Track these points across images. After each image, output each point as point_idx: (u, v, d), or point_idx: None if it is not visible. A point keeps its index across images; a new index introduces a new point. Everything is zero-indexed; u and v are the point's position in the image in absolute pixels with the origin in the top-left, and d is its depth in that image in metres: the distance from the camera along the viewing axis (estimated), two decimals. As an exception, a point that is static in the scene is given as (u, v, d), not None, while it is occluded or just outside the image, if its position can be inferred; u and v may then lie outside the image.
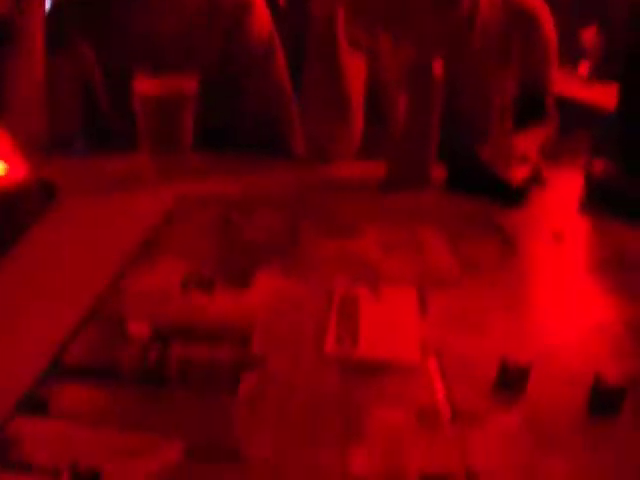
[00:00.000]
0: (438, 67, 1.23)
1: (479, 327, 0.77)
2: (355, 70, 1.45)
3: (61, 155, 1.41)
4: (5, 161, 1.12)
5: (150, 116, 1.22)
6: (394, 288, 0.85)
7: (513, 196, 1.20)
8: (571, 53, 3.78)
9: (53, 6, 1.51)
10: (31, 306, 0.79)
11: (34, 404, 0.60)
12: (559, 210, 1.22)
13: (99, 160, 1.39)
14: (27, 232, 1.01)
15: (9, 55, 1.39)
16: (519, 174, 1.22)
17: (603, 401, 0.63)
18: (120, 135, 1.32)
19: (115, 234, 1.03)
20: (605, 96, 3.11)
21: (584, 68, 3.87)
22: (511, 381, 0.65)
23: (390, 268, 0.92)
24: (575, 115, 3.25)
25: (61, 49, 1.50)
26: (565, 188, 1.32)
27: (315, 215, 1.12)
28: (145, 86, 1.21)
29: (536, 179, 1.27)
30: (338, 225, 1.07)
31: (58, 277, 0.87)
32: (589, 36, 3.66)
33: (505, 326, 0.77)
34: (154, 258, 0.93)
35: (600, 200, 1.22)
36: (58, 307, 0.78)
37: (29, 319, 0.76)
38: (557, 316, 0.82)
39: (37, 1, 1.42)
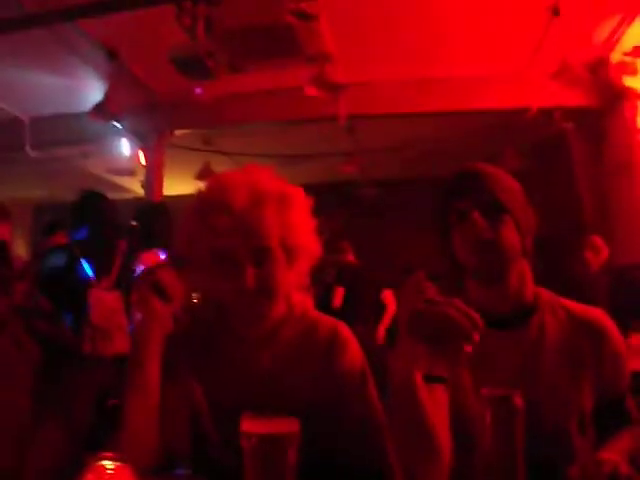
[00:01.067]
0: (518, 399, 1.27)
1: None
2: (436, 400, 1.51)
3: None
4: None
5: (255, 457, 1.27)
6: None
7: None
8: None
9: (168, 340, 1.64)
10: None
11: None
12: None
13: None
14: None
15: (125, 385, 1.51)
16: None
17: None
18: (228, 468, 1.39)
19: None
20: None
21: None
22: None
23: None
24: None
25: (170, 379, 1.64)
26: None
27: None
28: (251, 425, 1.27)
29: None
30: None
31: None
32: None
33: None
34: None
35: None
36: None
37: None
38: None
39: (156, 331, 1.60)
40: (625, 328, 4.73)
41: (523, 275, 1.71)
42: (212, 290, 1.68)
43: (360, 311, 6.96)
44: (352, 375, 1.66)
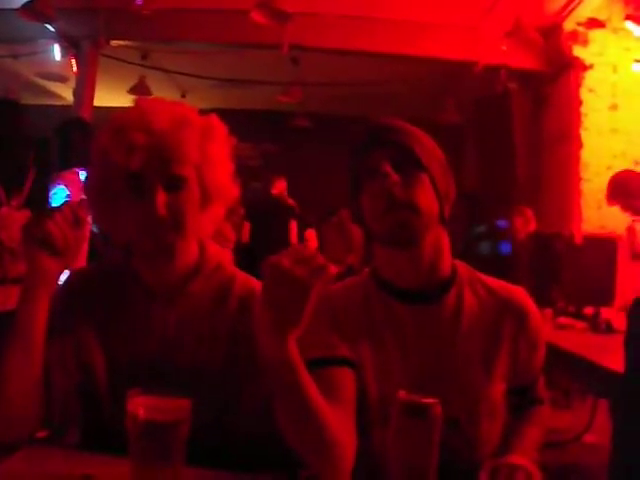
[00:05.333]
0: (438, 408, 1.20)
1: None
2: (342, 381, 1.43)
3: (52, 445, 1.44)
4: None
5: (140, 439, 1.18)
6: None
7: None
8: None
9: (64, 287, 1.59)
10: None
11: None
12: None
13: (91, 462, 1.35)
14: None
15: (7, 347, 1.41)
16: None
17: None
18: (118, 432, 1.24)
19: None
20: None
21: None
22: None
23: None
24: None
25: (59, 332, 1.51)
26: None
27: None
28: (137, 406, 1.18)
29: None
30: None
31: None
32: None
33: None
34: None
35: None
36: None
37: None
38: None
39: (41, 291, 1.44)
40: (545, 293, 4.85)
41: (439, 244, 1.54)
42: (120, 223, 1.54)
43: (272, 248, 6.72)
44: None
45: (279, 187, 7.49)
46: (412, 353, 1.50)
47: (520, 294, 1.61)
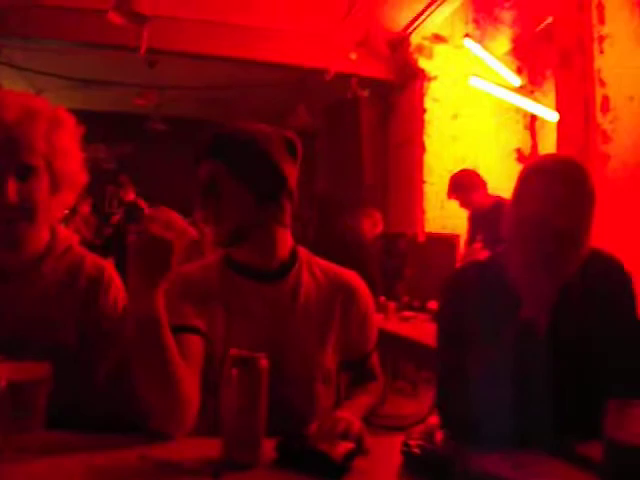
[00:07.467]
0: (263, 361, 1.37)
1: None
2: (188, 350, 1.59)
3: None
4: None
5: (3, 401, 1.28)
6: None
7: (337, 472, 1.31)
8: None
9: None
10: None
11: None
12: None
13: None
14: None
15: None
16: (341, 449, 1.34)
17: None
18: None
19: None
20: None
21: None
22: None
23: None
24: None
25: None
26: (386, 457, 1.45)
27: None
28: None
29: (359, 450, 1.39)
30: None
31: None
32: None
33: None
34: None
35: (418, 470, 1.35)
36: None
37: None
38: None
39: None
40: (391, 289, 5.09)
41: (273, 239, 1.78)
42: None
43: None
44: (111, 317, 1.69)
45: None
46: (257, 323, 1.72)
47: (350, 275, 1.88)
